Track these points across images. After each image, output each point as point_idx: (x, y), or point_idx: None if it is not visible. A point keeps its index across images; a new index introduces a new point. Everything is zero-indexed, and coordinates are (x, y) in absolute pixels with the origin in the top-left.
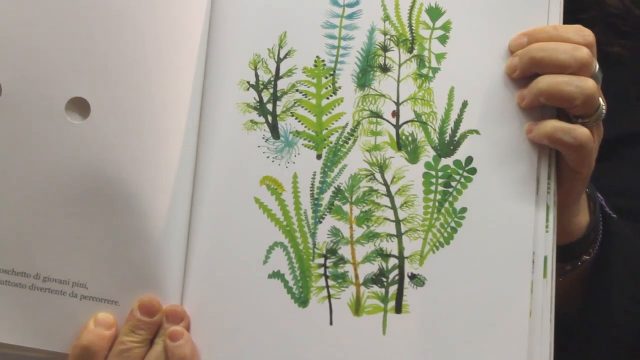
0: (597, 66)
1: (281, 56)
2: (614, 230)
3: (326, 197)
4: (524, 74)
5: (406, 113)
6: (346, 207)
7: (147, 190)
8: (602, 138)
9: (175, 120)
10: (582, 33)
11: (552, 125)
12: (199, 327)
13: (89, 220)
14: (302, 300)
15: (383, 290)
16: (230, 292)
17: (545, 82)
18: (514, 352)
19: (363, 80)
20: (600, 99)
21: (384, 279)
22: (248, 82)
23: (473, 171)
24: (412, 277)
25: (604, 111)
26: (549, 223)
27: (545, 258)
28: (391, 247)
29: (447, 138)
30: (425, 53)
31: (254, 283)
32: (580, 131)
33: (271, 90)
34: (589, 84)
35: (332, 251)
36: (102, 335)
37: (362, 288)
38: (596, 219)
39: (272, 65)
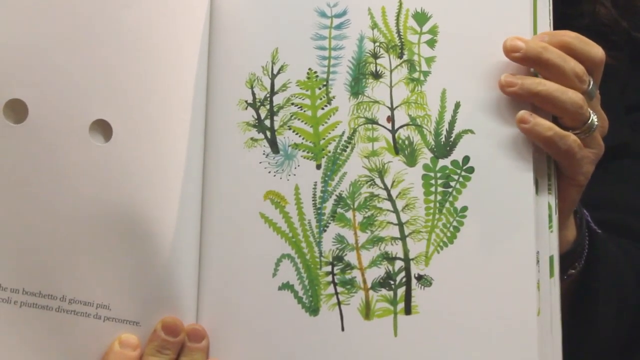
0: (592, 83)
1: (275, 72)
2: (599, 245)
3: (329, 205)
4: (524, 61)
5: (401, 117)
6: (349, 214)
7: (162, 212)
8: None
9: (183, 144)
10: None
11: (551, 128)
12: (215, 343)
13: (110, 241)
14: (313, 309)
15: (391, 293)
16: (242, 307)
17: (545, 87)
18: (524, 350)
19: (356, 88)
20: (592, 113)
21: (392, 282)
22: (246, 101)
23: (471, 170)
24: (419, 278)
25: (595, 124)
26: (553, 223)
27: (551, 258)
28: (396, 250)
29: (443, 139)
30: (415, 57)
31: (265, 296)
32: (573, 139)
33: (268, 107)
34: (576, 97)
35: (338, 258)
36: (128, 356)
37: (371, 292)
38: (582, 234)
39: (267, 82)
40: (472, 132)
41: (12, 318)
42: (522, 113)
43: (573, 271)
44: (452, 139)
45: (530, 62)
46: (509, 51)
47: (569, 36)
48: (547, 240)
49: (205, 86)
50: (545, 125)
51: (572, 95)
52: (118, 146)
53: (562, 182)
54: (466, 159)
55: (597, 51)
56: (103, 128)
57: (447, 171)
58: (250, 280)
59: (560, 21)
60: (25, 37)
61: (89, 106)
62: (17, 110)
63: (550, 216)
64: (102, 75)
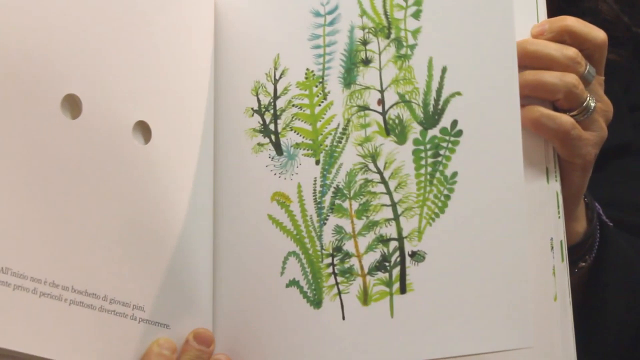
0: (588, 67)
1: (277, 77)
2: (610, 239)
3: (327, 198)
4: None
5: (391, 97)
6: (346, 204)
7: (191, 216)
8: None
9: (204, 151)
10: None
11: (538, 110)
12: (231, 346)
13: (146, 242)
14: (317, 302)
15: (387, 274)
16: (254, 307)
17: (530, 74)
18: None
19: (349, 79)
20: (589, 96)
21: (387, 264)
22: (252, 109)
23: (459, 133)
24: (413, 254)
25: (592, 105)
26: (560, 209)
27: (561, 242)
28: (390, 231)
29: (432, 109)
30: (402, 33)
31: (274, 295)
32: (565, 119)
33: (272, 111)
34: (570, 78)
35: (337, 249)
36: (169, 358)
37: (368, 277)
38: (593, 227)
39: (270, 88)
40: (459, 94)
41: (61, 315)
42: None
43: (584, 264)
44: (440, 106)
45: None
46: None
47: (570, 20)
48: (554, 226)
49: (213, 96)
50: (533, 110)
51: (566, 78)
52: (156, 148)
53: (563, 168)
54: (454, 123)
55: (597, 33)
56: (143, 130)
57: (437, 140)
58: (260, 281)
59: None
60: (81, 36)
61: (133, 107)
62: (73, 105)
63: (558, 202)
64: (143, 78)
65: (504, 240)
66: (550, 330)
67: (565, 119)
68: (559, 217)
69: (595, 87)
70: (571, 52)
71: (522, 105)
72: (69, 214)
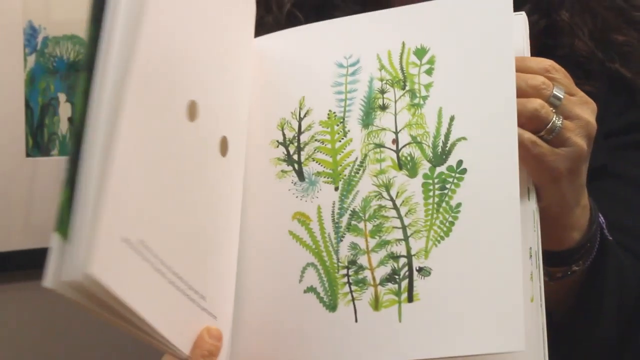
0: (555, 90)
1: (302, 116)
2: (608, 249)
3: (344, 219)
4: None
5: (404, 138)
6: (361, 225)
7: (236, 224)
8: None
9: (239, 172)
10: (542, 64)
11: None
12: (256, 340)
13: (213, 242)
14: (332, 306)
15: (396, 285)
16: (273, 308)
17: None
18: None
19: (367, 121)
20: (555, 116)
21: (397, 276)
22: (277, 141)
23: (464, 171)
24: (420, 270)
25: (558, 124)
26: (536, 224)
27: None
28: (400, 249)
29: (440, 150)
30: (416, 86)
31: (292, 298)
32: (524, 136)
33: (296, 144)
34: (533, 103)
35: (352, 262)
36: (215, 345)
37: (380, 287)
38: (589, 237)
39: (295, 124)
40: (464, 138)
41: (163, 290)
42: None
43: (577, 268)
44: (447, 148)
45: None
46: None
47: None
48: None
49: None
50: None
51: (529, 104)
52: (230, 162)
53: (536, 183)
54: (459, 162)
55: (539, 65)
56: (222, 143)
57: (444, 176)
58: (280, 286)
59: (542, 51)
60: (203, 51)
61: (224, 121)
62: (193, 110)
63: (534, 217)
64: (231, 98)
65: (499, 259)
66: (527, 327)
67: (525, 135)
68: (535, 231)
69: (569, 106)
70: (535, 81)
71: None
72: (179, 205)
